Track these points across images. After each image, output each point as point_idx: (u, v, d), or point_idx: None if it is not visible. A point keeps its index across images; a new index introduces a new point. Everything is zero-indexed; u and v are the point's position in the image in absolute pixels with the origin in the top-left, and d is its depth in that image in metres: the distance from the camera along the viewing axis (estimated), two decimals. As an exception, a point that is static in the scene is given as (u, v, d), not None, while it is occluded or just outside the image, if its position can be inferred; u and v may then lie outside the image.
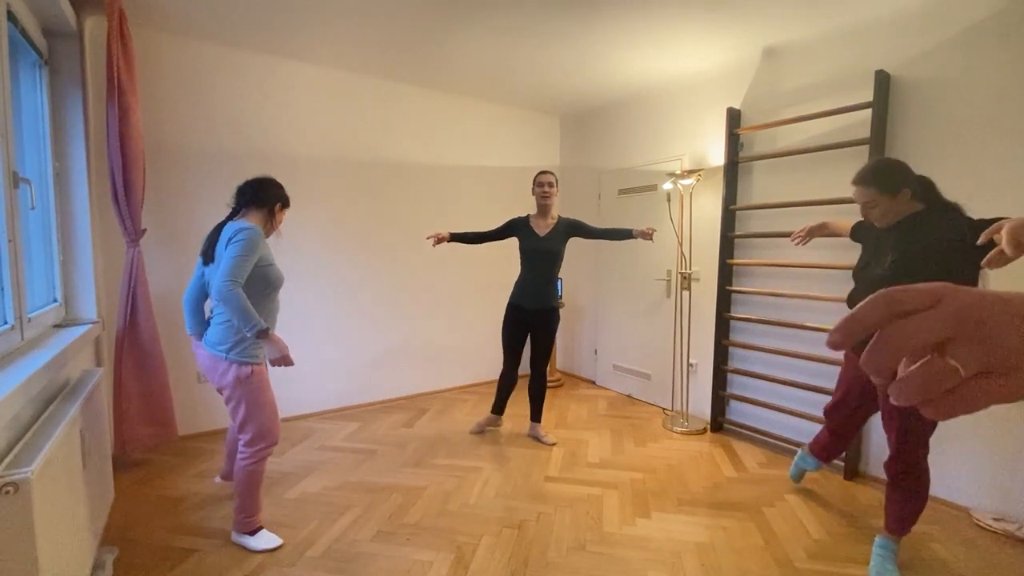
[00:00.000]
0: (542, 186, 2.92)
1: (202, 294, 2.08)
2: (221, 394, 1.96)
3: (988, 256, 1.33)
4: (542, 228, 2.96)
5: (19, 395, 1.29)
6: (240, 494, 1.99)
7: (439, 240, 2.91)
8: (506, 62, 3.30)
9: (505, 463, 2.82)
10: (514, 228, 3.01)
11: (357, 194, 3.62)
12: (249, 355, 1.90)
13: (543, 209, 2.96)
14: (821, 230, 2.20)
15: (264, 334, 1.79)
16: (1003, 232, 1.26)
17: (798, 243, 2.24)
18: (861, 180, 1.75)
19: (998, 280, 2.18)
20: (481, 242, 3.06)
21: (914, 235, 1.68)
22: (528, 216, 3.02)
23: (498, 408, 3.24)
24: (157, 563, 1.89)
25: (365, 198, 3.66)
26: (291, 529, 2.13)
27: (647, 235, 2.82)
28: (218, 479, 2.49)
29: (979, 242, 1.39)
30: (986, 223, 1.53)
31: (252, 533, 2.01)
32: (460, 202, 4.11)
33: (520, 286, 3.01)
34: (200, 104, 3.02)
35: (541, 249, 2.92)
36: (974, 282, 1.61)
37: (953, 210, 1.69)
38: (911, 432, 1.80)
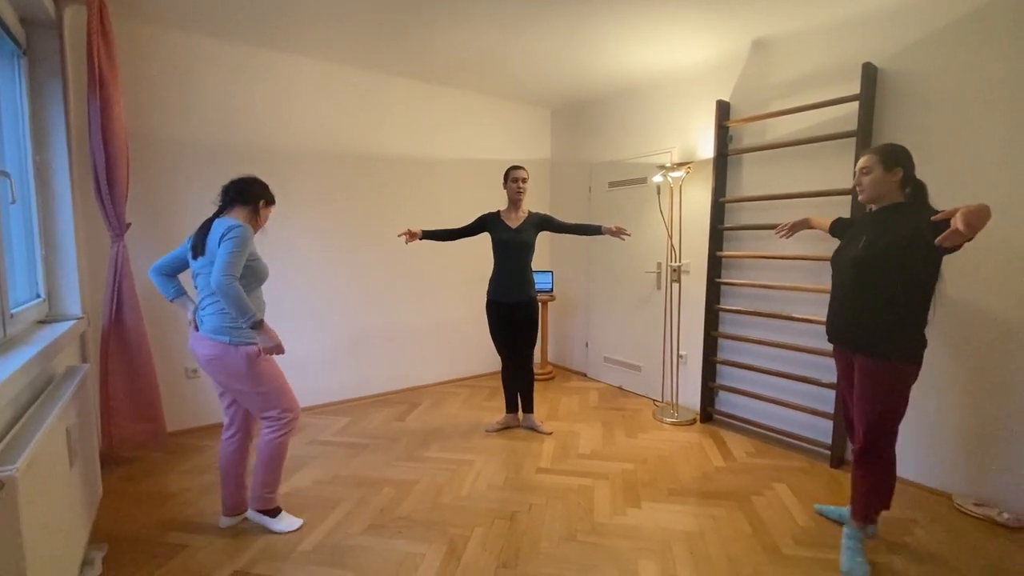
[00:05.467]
0: (516, 182, 2.94)
1: (175, 271, 2.04)
2: (229, 389, 1.97)
3: (944, 234, 1.46)
4: (513, 220, 2.98)
5: (3, 392, 1.27)
6: (265, 468, 2.02)
7: (411, 237, 2.91)
8: (497, 55, 3.27)
9: (497, 455, 2.83)
10: (486, 223, 3.02)
11: (346, 188, 3.59)
12: (248, 336, 1.92)
13: (515, 203, 2.99)
14: (804, 225, 2.31)
15: (259, 325, 1.85)
16: (958, 214, 1.42)
17: (782, 236, 2.32)
18: (870, 149, 1.91)
19: (954, 281, 2.24)
20: (454, 239, 3.05)
21: (888, 224, 1.82)
22: (499, 211, 3.04)
23: (511, 406, 3.24)
24: (147, 559, 1.88)
25: (354, 192, 3.63)
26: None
27: (615, 233, 2.84)
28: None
29: (933, 218, 1.55)
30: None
31: (273, 514, 2.06)
32: (450, 195, 4.09)
33: (496, 280, 3.02)
34: (184, 97, 2.97)
35: (514, 240, 2.94)
36: (932, 279, 1.74)
37: (927, 210, 1.76)
38: (878, 416, 1.82)
